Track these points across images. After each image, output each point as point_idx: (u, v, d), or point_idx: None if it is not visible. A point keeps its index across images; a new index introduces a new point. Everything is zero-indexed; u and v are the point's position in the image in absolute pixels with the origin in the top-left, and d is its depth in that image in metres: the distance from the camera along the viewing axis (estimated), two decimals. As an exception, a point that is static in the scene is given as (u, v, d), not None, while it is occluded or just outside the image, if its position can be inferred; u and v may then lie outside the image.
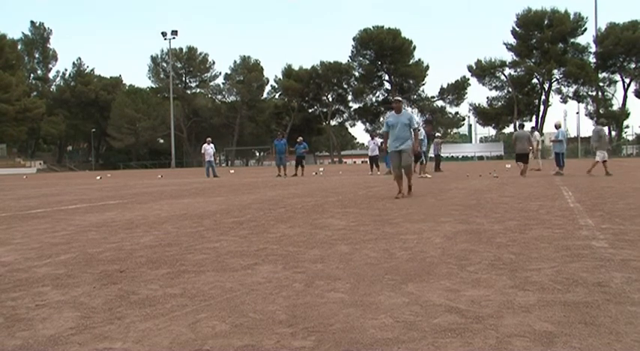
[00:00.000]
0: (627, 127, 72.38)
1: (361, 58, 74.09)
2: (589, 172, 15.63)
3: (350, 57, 74.68)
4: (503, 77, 71.50)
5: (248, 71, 77.16)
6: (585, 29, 67.08)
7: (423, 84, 75.03)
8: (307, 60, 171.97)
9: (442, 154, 24.49)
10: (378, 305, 2.50)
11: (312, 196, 9.64)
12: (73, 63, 77.52)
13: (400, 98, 9.22)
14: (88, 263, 3.75)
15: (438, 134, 24.83)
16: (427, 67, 73.40)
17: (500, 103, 72.93)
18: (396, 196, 8.70)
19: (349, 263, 3.51)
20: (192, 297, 2.75)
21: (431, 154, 23.85)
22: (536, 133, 18.43)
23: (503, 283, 2.88)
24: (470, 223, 5.39)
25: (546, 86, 70.38)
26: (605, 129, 15.97)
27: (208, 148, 22.79)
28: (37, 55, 75.39)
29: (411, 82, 74.31)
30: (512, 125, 73.79)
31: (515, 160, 16.56)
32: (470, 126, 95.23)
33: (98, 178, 26.43)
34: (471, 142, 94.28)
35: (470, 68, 71.67)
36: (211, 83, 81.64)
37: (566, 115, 77.75)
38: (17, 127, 63.43)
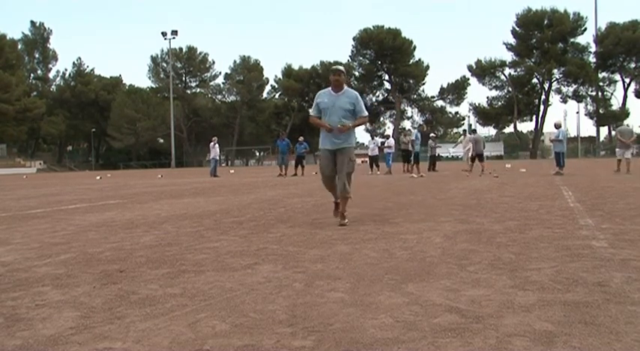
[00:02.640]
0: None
1: (361, 58, 74.09)
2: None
3: (350, 57, 74.70)
4: (503, 77, 71.59)
5: (248, 71, 77.16)
6: (585, 29, 67.19)
7: (423, 84, 75.05)
8: (307, 60, 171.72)
9: (442, 154, 24.48)
10: (378, 305, 2.50)
11: (312, 196, 9.64)
12: (73, 63, 77.59)
13: (341, 68, 5.74)
14: (88, 263, 3.75)
15: (432, 135, 24.84)
16: (427, 67, 73.39)
17: (500, 103, 72.97)
18: (336, 211, 5.75)
19: (349, 263, 3.51)
20: (192, 297, 2.75)
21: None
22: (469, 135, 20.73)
23: (503, 283, 2.87)
24: (470, 222, 5.39)
25: (546, 86, 70.45)
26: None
27: (216, 147, 23.22)
28: (37, 55, 75.37)
29: (411, 81, 74.28)
30: (512, 125, 73.93)
31: (471, 160, 18.85)
32: (470, 126, 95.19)
33: (98, 178, 26.43)
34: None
35: (470, 68, 71.71)
36: (211, 83, 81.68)
37: (566, 115, 77.74)
38: (17, 127, 63.43)
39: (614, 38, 63.52)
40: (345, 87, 5.62)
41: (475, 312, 2.35)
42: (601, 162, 32.87)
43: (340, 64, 74.58)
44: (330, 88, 5.64)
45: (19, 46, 70.32)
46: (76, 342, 2.11)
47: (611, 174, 15.52)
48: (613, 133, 64.76)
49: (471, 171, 17.94)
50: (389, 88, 76.27)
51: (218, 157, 23.79)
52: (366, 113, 5.75)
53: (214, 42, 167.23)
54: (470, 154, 19.07)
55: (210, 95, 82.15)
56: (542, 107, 71.22)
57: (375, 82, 76.16)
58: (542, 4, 77.93)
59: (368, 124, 78.05)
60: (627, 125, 18.71)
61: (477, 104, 74.23)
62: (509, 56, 70.66)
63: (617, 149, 16.96)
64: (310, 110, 5.83)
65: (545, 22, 66.12)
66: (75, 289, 2.98)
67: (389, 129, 72.69)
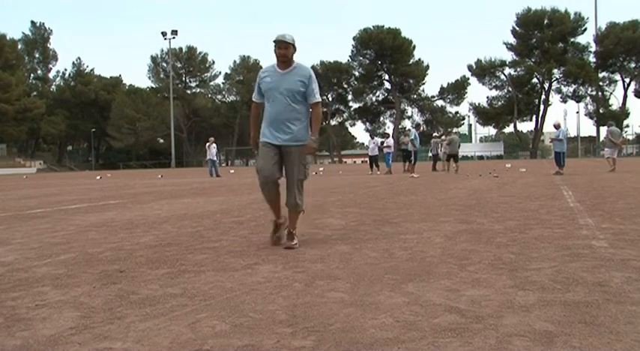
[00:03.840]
0: (627, 126, 72.47)
1: (361, 58, 74.07)
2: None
3: (350, 57, 74.70)
4: (503, 77, 71.55)
5: (248, 71, 77.14)
6: (585, 29, 67.19)
7: (423, 83, 75.02)
8: (307, 60, 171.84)
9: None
10: (378, 305, 2.50)
11: (312, 196, 9.64)
12: (73, 63, 77.58)
13: (289, 38, 4.14)
14: (88, 263, 3.75)
15: (435, 134, 24.90)
16: (427, 67, 73.37)
17: (500, 103, 72.95)
18: (274, 235, 4.34)
19: (349, 263, 3.51)
20: (192, 297, 2.75)
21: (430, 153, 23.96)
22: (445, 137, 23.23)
23: (503, 282, 2.88)
24: (470, 222, 5.39)
25: (546, 86, 70.42)
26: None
27: (212, 148, 23.26)
28: (37, 55, 75.34)
29: (411, 81, 74.25)
30: (512, 125, 73.95)
31: (446, 159, 20.95)
32: (470, 126, 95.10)
33: (98, 178, 26.43)
34: (471, 141, 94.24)
35: (470, 68, 71.69)
36: (211, 83, 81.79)
37: (566, 115, 77.98)
38: (17, 127, 63.39)
39: (614, 38, 63.49)
40: (296, 62, 4.24)
41: (475, 312, 2.35)
42: (601, 162, 32.84)
43: (341, 64, 75.16)
44: (274, 64, 4.25)
45: (19, 46, 70.24)
46: (76, 342, 2.11)
47: (610, 174, 15.58)
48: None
49: (446, 170, 19.72)
50: (389, 88, 76.24)
51: (215, 158, 23.81)
52: (319, 98, 4.21)
53: (214, 42, 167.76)
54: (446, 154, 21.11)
55: (210, 95, 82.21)
56: (542, 107, 71.22)
57: (375, 82, 76.14)
58: (543, 4, 77.95)
59: (368, 124, 78.97)
60: (628, 126, 20.15)
61: (476, 104, 74.30)
62: (509, 56, 70.70)
63: (607, 149, 18.30)
64: (253, 95, 4.39)
65: (546, 21, 66.11)
66: (75, 289, 2.98)
67: (389, 129, 72.73)
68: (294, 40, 4.19)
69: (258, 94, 4.31)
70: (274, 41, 4.13)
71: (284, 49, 4.12)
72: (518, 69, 70.41)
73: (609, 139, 17.87)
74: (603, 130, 71.31)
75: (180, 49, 77.14)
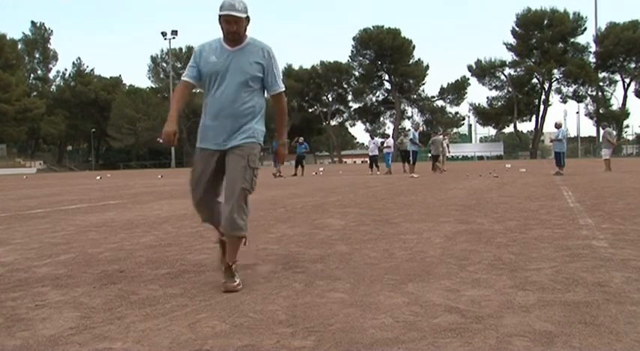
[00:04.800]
0: (627, 126, 72.46)
1: (361, 58, 74.07)
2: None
3: (350, 57, 74.69)
4: (503, 77, 71.55)
5: (248, 71, 77.10)
6: (585, 29, 67.20)
7: (423, 84, 74.98)
8: (307, 60, 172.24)
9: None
10: (378, 305, 2.50)
11: (312, 196, 9.64)
12: (73, 63, 77.51)
13: (239, 10, 2.90)
14: (88, 263, 3.75)
15: (433, 134, 24.90)
16: (427, 67, 73.37)
17: (500, 103, 72.97)
18: (223, 258, 3.15)
19: (349, 263, 3.51)
20: (192, 297, 2.75)
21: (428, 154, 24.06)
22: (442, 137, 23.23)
23: (503, 283, 2.88)
24: (470, 223, 5.39)
25: (546, 86, 70.43)
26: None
27: None
28: (37, 55, 75.33)
29: (411, 81, 74.24)
30: (512, 125, 73.97)
31: (432, 160, 21.29)
32: (470, 126, 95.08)
33: (98, 178, 26.44)
34: (470, 142, 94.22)
35: (470, 68, 71.68)
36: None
37: (566, 115, 77.75)
38: (17, 127, 63.38)
39: (614, 38, 63.48)
40: (249, 37, 3.09)
41: (475, 312, 2.35)
42: (601, 162, 32.83)
43: (341, 65, 75.11)
44: (220, 39, 3.08)
45: (19, 46, 70.21)
46: (76, 342, 2.11)
47: (609, 174, 15.59)
48: (614, 133, 64.80)
49: (434, 170, 19.96)
50: (389, 88, 76.21)
51: None
52: (282, 86, 3.22)
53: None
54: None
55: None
56: (542, 107, 71.22)
57: (375, 82, 76.12)
58: (542, 4, 77.83)
59: (368, 124, 79.09)
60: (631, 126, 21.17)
61: (477, 104, 74.32)
62: (509, 56, 70.71)
63: (604, 150, 18.70)
64: (183, 75, 3.14)
65: (545, 22, 66.13)
66: (75, 290, 2.98)
67: (389, 129, 72.76)
68: (247, 10, 3.01)
69: (194, 74, 3.08)
70: (220, 15, 2.96)
71: (234, 24, 2.95)
72: (518, 69, 70.45)
73: (606, 139, 18.57)
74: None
75: (180, 49, 77.13)
